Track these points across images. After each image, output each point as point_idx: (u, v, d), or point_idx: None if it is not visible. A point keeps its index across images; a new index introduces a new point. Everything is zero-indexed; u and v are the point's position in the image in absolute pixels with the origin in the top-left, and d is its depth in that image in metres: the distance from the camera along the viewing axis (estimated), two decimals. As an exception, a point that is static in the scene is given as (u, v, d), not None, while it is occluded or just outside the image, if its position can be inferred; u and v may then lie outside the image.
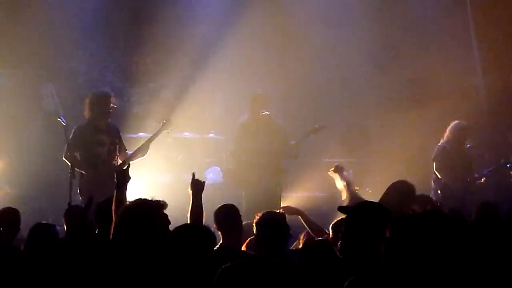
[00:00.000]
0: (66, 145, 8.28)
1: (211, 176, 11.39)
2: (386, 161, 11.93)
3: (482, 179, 9.28)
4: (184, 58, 12.26)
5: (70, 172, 8.05)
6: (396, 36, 11.94)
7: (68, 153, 8.24)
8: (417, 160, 9.70)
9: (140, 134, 11.14)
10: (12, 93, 11.32)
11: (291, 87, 12.06)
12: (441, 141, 9.34)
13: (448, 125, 9.37)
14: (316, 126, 9.15)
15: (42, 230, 5.45)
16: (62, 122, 8.17)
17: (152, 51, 12.21)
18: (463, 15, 10.51)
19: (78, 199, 8.58)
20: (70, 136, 8.25)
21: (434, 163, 9.27)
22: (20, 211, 9.78)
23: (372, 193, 11.39)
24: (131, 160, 8.78)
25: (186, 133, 11.53)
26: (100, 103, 8.47)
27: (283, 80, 12.20)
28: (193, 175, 5.30)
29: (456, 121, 9.36)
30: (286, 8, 12.27)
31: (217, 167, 11.33)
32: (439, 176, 9.18)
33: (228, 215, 5.38)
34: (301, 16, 12.26)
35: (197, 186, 5.25)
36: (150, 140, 8.72)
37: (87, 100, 8.55)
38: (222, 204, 5.55)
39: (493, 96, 10.30)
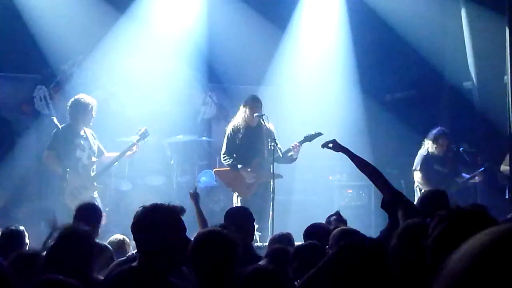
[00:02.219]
0: (48, 147, 8.44)
1: (204, 179, 11.39)
2: (380, 165, 11.95)
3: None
4: (177, 61, 12.25)
5: (62, 174, 8.06)
6: (392, 36, 11.96)
7: (51, 155, 8.37)
8: (412, 164, 9.69)
9: (133, 137, 11.12)
10: (5, 96, 11.28)
11: (286, 90, 12.06)
12: (422, 150, 9.30)
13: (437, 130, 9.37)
14: (313, 132, 9.15)
15: (11, 237, 5.33)
16: (56, 125, 8.19)
17: (145, 54, 12.19)
18: (457, 15, 10.52)
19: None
20: (52, 138, 8.40)
21: (415, 173, 9.24)
22: (12, 213, 9.79)
23: (365, 196, 11.43)
24: (109, 167, 9.00)
25: (179, 136, 11.52)
26: (82, 109, 8.60)
27: (278, 82, 12.20)
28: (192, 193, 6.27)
29: (435, 128, 9.33)
30: (280, 9, 12.27)
31: (210, 170, 11.33)
32: (420, 186, 9.17)
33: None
34: (296, 16, 12.27)
35: (195, 197, 6.18)
36: (124, 152, 8.91)
37: (69, 104, 8.69)
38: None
39: (486, 98, 10.32)
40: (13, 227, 5.60)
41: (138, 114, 12.45)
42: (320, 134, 9.10)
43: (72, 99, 8.77)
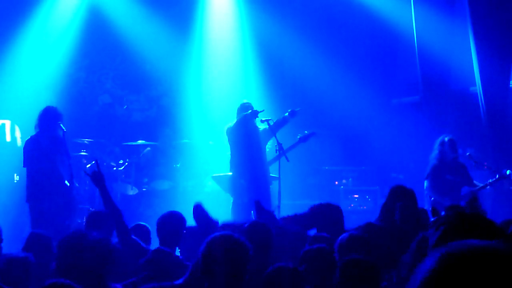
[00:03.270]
0: (57, 151, 8.43)
1: (210, 184, 11.38)
2: (386, 169, 11.93)
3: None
4: (183, 66, 12.28)
5: (69, 179, 8.05)
6: (398, 40, 11.95)
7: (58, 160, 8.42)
8: (417, 168, 9.66)
9: (140, 141, 11.14)
10: (12, 101, 11.31)
11: (291, 95, 12.06)
12: (432, 158, 9.21)
13: (448, 135, 9.32)
14: (306, 132, 9.17)
15: (37, 241, 5.24)
16: (62, 129, 8.17)
17: (151, 59, 12.22)
18: (463, 19, 10.51)
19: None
20: (45, 146, 8.38)
21: (425, 182, 9.17)
22: (21, 216, 9.82)
23: (371, 201, 11.40)
24: None
25: (185, 140, 11.53)
26: (59, 118, 8.58)
27: (283, 87, 12.21)
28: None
29: (443, 136, 9.25)
30: (284, 13, 12.30)
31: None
32: (430, 194, 9.08)
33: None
34: (299, 20, 12.28)
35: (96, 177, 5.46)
36: None
37: (46, 114, 8.57)
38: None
39: (493, 103, 10.29)
40: (40, 232, 5.53)
41: (143, 118, 12.47)
42: (314, 133, 9.14)
43: (46, 109, 8.60)
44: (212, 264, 3.51)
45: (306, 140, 9.13)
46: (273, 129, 8.65)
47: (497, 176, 9.07)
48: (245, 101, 9.18)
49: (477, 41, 10.26)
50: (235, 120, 8.91)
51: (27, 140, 8.29)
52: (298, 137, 9.10)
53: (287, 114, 8.86)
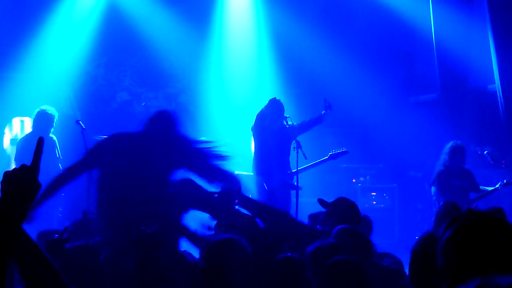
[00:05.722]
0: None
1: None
2: (403, 167, 11.90)
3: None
4: (201, 63, 12.31)
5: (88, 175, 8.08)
6: (417, 38, 11.91)
7: None
8: (435, 166, 9.62)
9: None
10: (31, 98, 11.38)
11: (309, 92, 12.06)
12: (439, 164, 9.11)
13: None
14: (340, 150, 9.25)
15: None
16: (81, 126, 8.21)
17: (170, 56, 12.26)
18: (482, 15, 10.44)
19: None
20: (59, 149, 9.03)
21: (431, 188, 9.09)
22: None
23: (389, 198, 11.38)
24: None
25: (202, 138, 11.55)
26: None
27: (301, 85, 12.21)
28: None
29: (451, 142, 9.16)
30: (302, 10, 12.30)
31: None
32: (438, 200, 8.98)
33: None
34: (316, 16, 12.27)
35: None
36: None
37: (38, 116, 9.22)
38: None
39: (511, 101, 10.22)
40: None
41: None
42: (346, 152, 9.18)
43: (41, 112, 9.29)
44: (213, 267, 3.50)
45: (336, 158, 9.27)
46: (308, 126, 8.83)
47: (506, 180, 8.92)
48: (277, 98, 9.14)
49: (496, 38, 10.19)
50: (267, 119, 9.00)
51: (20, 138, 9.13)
52: (329, 154, 9.22)
53: (323, 111, 8.99)
